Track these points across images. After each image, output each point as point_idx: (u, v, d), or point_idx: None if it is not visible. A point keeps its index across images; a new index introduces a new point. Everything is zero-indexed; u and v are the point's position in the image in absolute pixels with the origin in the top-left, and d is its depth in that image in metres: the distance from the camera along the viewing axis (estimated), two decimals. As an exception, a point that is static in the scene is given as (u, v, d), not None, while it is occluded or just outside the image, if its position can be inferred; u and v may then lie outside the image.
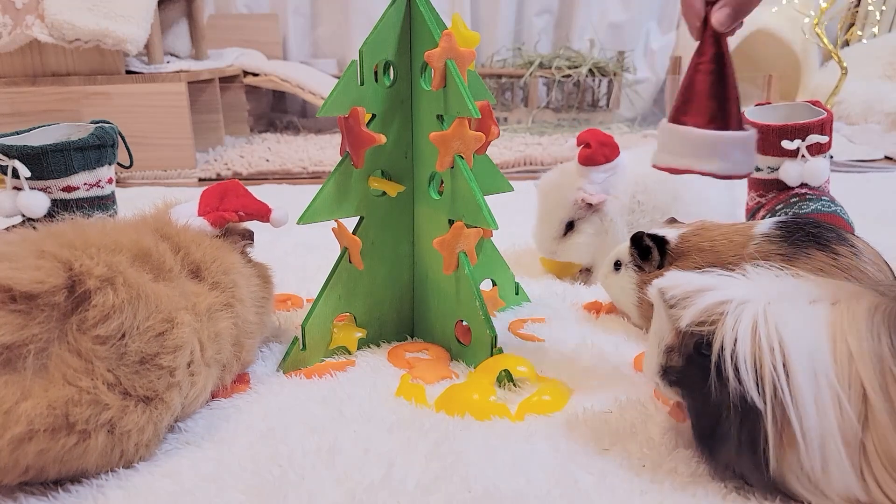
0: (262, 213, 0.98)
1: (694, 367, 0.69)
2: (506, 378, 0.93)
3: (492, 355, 0.95)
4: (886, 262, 0.96)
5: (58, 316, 0.68)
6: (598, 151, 1.29)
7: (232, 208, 0.96)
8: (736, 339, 0.65)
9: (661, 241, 1.05)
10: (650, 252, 1.06)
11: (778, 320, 0.65)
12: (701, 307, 0.68)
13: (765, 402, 0.63)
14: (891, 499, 0.62)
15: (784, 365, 0.63)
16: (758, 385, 0.63)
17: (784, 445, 0.63)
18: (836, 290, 0.70)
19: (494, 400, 0.87)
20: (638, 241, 1.07)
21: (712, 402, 0.67)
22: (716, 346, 0.66)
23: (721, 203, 1.36)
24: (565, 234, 1.32)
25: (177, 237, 0.87)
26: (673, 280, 0.73)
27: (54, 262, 0.69)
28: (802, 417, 0.62)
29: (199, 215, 0.94)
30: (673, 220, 1.12)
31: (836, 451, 0.62)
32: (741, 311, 0.66)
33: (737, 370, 0.64)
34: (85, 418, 0.67)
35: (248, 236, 1.01)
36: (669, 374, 0.73)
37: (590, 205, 1.29)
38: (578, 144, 1.32)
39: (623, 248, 1.11)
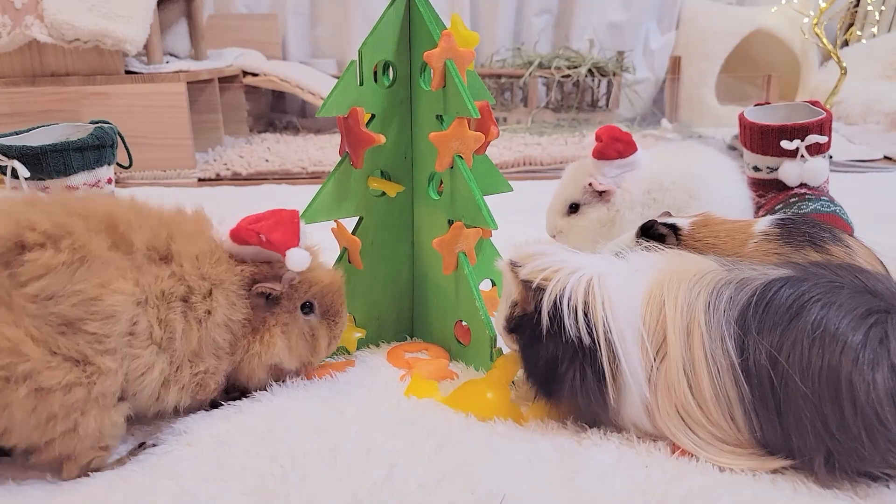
0: (281, 246, 0.86)
1: (533, 318, 0.81)
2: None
3: (491, 355, 0.95)
4: (881, 262, 0.97)
5: None
6: (609, 146, 1.32)
7: (257, 229, 0.86)
8: (571, 292, 0.78)
9: (674, 229, 1.05)
10: (664, 240, 1.04)
11: (605, 281, 0.79)
12: (538, 264, 0.82)
13: (598, 344, 0.76)
14: (658, 426, 0.76)
15: (611, 314, 0.76)
16: (590, 330, 0.76)
17: (617, 381, 0.76)
18: (670, 260, 0.83)
19: (511, 400, 0.88)
20: (649, 229, 1.05)
21: (546, 345, 0.79)
22: (549, 296, 0.79)
23: (738, 203, 1.36)
24: (569, 214, 1.38)
25: (174, 231, 0.83)
26: (520, 249, 0.86)
27: (7, 216, 0.71)
28: (625, 356, 0.75)
29: (236, 224, 0.87)
30: (667, 215, 1.12)
31: (636, 385, 0.75)
32: (575, 272, 0.80)
33: (574, 317, 0.77)
34: (3, 364, 0.68)
35: (273, 279, 0.87)
36: (510, 323, 0.85)
37: (598, 193, 1.32)
38: (595, 140, 1.35)
39: (626, 239, 1.09)
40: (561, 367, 0.79)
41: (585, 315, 0.77)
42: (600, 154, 1.33)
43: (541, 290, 0.80)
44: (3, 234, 0.70)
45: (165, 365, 0.79)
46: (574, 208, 1.37)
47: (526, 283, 0.82)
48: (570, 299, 0.78)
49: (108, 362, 0.73)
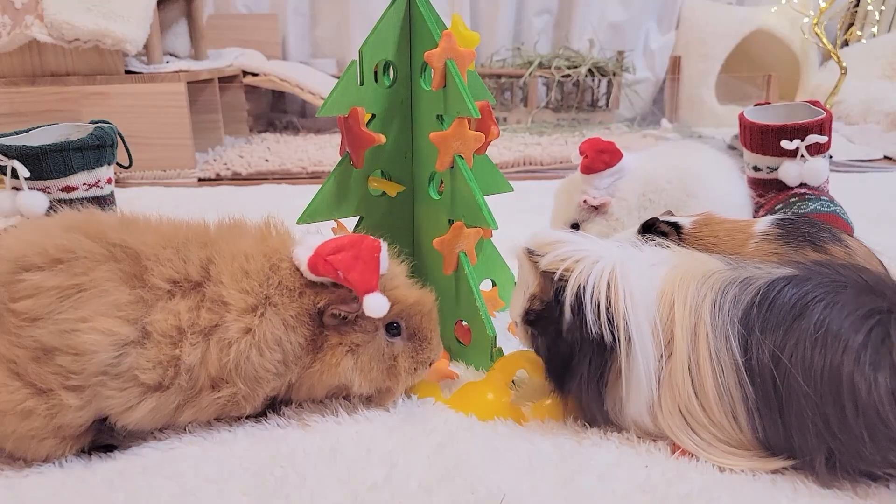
0: (359, 288, 0.81)
1: (551, 310, 0.80)
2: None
3: (491, 355, 0.95)
4: (881, 262, 0.97)
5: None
6: (596, 159, 1.33)
7: (335, 264, 0.80)
8: (594, 285, 0.76)
9: (676, 228, 1.05)
10: (665, 237, 1.04)
11: (626, 274, 0.77)
12: (559, 254, 0.80)
13: (618, 339, 0.75)
14: (659, 425, 0.76)
15: (633, 309, 0.75)
16: (611, 325, 0.75)
17: (629, 377, 0.75)
18: (681, 258, 0.82)
19: (511, 401, 0.88)
20: (651, 227, 1.05)
21: (565, 339, 0.78)
22: (571, 288, 0.77)
23: (736, 201, 1.36)
24: None
25: (218, 251, 0.79)
26: (537, 236, 0.84)
27: (19, 240, 0.73)
28: (642, 352, 0.74)
29: (313, 253, 0.82)
30: (669, 213, 1.12)
31: (647, 382, 0.75)
32: (597, 261, 0.78)
33: (596, 311, 0.75)
34: None
35: (352, 301, 0.82)
36: (529, 315, 0.83)
37: (594, 207, 1.32)
38: (580, 155, 1.35)
39: (626, 236, 1.09)
40: (575, 360, 0.78)
41: (608, 309, 0.75)
42: (588, 169, 1.33)
43: (563, 281, 0.78)
44: (10, 257, 0.71)
45: (165, 400, 0.76)
46: (575, 228, 1.36)
47: (546, 274, 0.80)
48: (592, 293, 0.76)
49: (71, 399, 0.71)
